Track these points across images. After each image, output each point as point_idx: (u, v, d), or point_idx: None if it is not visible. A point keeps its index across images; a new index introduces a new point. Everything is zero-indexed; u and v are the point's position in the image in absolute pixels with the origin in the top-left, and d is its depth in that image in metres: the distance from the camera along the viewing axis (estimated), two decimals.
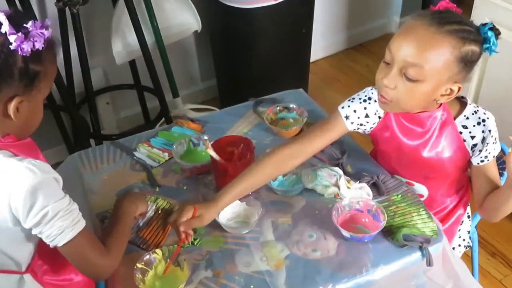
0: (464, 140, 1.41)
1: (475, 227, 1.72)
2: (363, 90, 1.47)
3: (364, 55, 3.44)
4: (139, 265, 1.27)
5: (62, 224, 1.08)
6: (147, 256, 1.29)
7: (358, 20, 3.44)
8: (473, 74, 2.19)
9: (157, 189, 1.53)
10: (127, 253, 1.32)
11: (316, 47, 3.17)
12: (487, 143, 1.38)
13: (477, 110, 1.40)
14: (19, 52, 1.00)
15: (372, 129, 1.49)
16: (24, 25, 1.01)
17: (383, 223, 1.33)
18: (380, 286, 1.29)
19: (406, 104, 1.33)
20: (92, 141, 2.50)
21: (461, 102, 1.42)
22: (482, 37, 1.27)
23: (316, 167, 1.52)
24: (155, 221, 1.41)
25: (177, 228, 1.31)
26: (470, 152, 1.42)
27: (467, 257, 2.05)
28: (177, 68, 2.69)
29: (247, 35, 2.60)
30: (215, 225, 1.39)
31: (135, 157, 1.64)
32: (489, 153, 1.40)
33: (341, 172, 1.48)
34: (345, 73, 3.32)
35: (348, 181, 1.46)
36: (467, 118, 1.39)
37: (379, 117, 1.46)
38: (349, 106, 1.45)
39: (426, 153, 1.44)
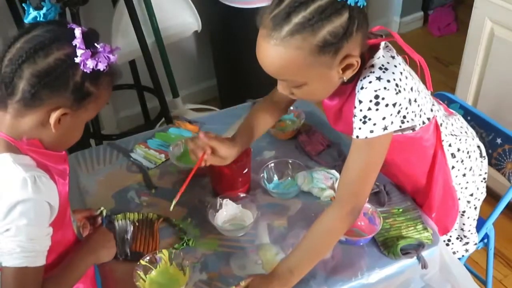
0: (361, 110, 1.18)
1: (492, 224, 1.63)
2: None
3: None
4: (142, 262, 1.27)
5: (15, 248, 1.02)
6: (153, 255, 1.29)
7: None
8: (473, 75, 2.24)
9: (153, 190, 1.53)
10: None
11: None
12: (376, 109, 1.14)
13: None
14: (81, 67, 1.03)
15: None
16: (95, 44, 1.05)
17: (379, 227, 1.32)
18: None
19: (313, 99, 1.32)
20: (92, 141, 2.50)
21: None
22: None
23: (312, 169, 1.51)
24: (138, 233, 1.38)
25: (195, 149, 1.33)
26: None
27: (472, 261, 2.04)
28: (177, 68, 2.69)
29: (247, 35, 2.56)
30: (210, 227, 1.38)
31: (131, 159, 1.64)
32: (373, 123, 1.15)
33: (337, 174, 1.47)
34: None
35: None
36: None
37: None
38: None
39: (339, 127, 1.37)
